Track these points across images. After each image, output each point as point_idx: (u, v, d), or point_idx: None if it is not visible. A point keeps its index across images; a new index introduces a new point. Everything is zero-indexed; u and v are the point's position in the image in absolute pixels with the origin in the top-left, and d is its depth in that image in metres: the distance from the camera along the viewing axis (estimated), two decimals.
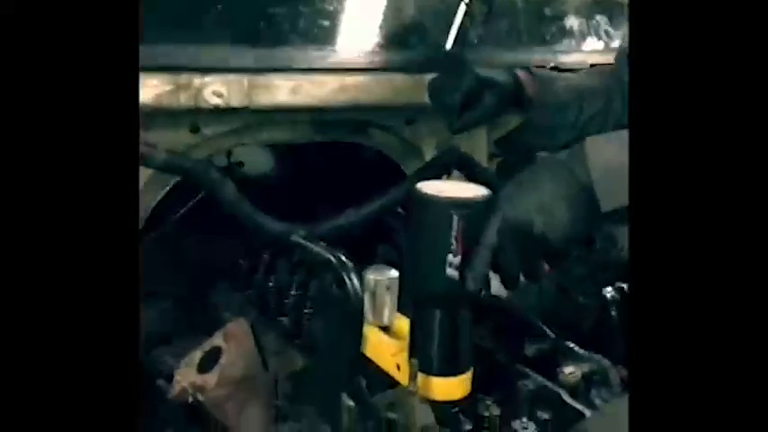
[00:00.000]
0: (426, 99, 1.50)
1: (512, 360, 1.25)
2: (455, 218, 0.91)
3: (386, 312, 1.07)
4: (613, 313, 1.50)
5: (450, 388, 1.02)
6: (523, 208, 0.94)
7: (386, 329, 1.10)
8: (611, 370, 1.28)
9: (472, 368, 1.05)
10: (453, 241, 0.91)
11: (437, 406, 1.01)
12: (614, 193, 0.89)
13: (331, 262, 0.90)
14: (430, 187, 0.96)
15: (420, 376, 1.00)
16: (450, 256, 0.92)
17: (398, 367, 1.04)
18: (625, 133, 0.87)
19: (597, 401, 1.22)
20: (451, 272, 0.93)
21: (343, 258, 0.92)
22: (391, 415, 0.99)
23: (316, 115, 1.51)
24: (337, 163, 1.84)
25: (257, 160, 2.01)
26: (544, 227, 0.92)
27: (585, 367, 1.26)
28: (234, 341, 1.46)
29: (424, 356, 1.00)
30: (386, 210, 1.47)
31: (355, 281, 0.89)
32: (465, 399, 1.06)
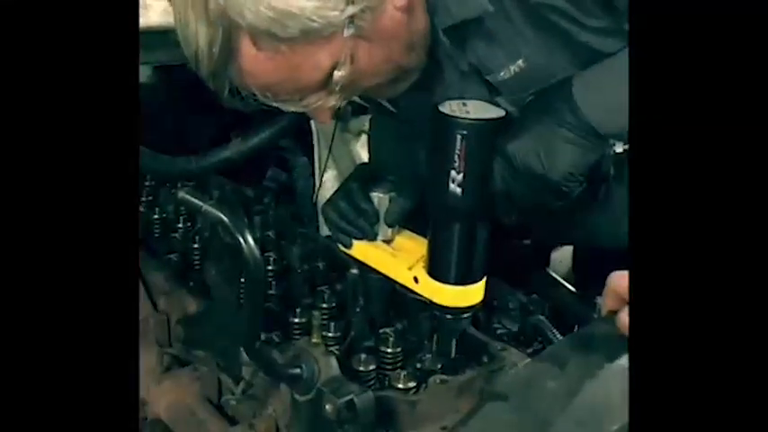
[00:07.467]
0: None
1: (412, 292, 1.23)
2: (458, 136, 0.96)
3: (385, 227, 1.15)
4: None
5: (466, 295, 1.08)
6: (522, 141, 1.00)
7: (388, 244, 1.17)
8: (510, 296, 1.29)
9: (485, 277, 1.10)
10: (456, 159, 0.97)
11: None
12: (610, 118, 0.98)
13: (223, 221, 0.82)
14: (447, 106, 0.99)
15: (437, 285, 1.06)
16: (453, 173, 0.98)
17: (416, 280, 1.10)
18: (608, 62, 0.99)
19: (498, 330, 1.23)
20: (454, 187, 0.99)
21: (236, 218, 0.83)
22: (294, 370, 0.95)
23: None
24: None
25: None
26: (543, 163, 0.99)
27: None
28: None
29: (441, 266, 1.06)
30: (274, 140, 1.39)
31: (250, 241, 0.81)
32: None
